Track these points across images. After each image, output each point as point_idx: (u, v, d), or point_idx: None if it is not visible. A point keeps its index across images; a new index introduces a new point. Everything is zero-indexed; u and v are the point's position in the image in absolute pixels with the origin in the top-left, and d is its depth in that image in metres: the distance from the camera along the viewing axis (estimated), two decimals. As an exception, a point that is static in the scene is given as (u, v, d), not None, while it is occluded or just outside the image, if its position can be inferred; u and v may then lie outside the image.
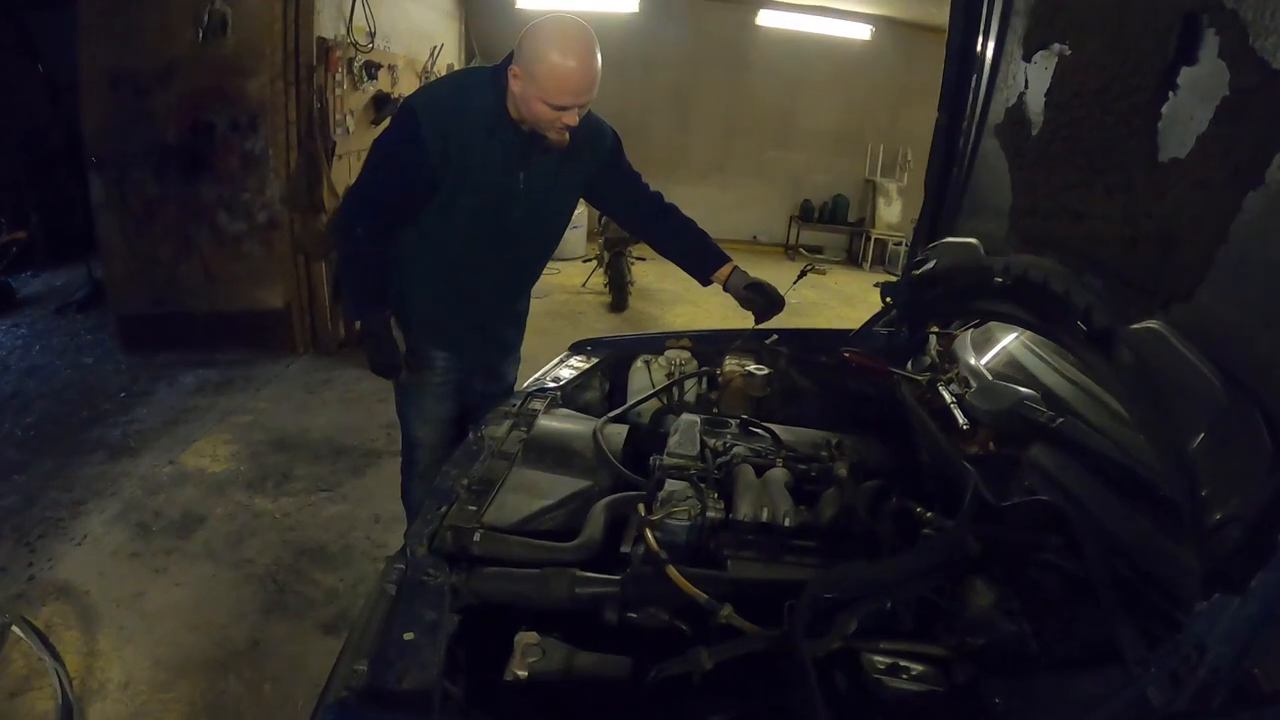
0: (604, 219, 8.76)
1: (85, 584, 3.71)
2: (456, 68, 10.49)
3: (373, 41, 7.40)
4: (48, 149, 9.84)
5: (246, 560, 3.96)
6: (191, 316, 6.84)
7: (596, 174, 2.91)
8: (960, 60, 2.63)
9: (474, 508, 1.84)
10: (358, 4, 7.09)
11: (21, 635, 2.71)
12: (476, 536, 1.71)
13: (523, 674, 1.41)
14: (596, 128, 2.85)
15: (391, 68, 7.92)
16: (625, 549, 1.76)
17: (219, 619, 3.52)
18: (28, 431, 5.41)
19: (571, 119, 2.47)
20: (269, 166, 6.50)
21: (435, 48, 9.42)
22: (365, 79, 7.38)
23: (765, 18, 11.68)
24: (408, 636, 1.42)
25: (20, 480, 4.69)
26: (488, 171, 2.63)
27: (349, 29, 7.04)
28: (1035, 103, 2.19)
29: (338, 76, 6.81)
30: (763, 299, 2.90)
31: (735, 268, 3.02)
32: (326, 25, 6.66)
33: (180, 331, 6.83)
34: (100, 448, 5.14)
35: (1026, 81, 2.25)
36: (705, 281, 3.09)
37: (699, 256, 3.09)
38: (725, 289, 3.01)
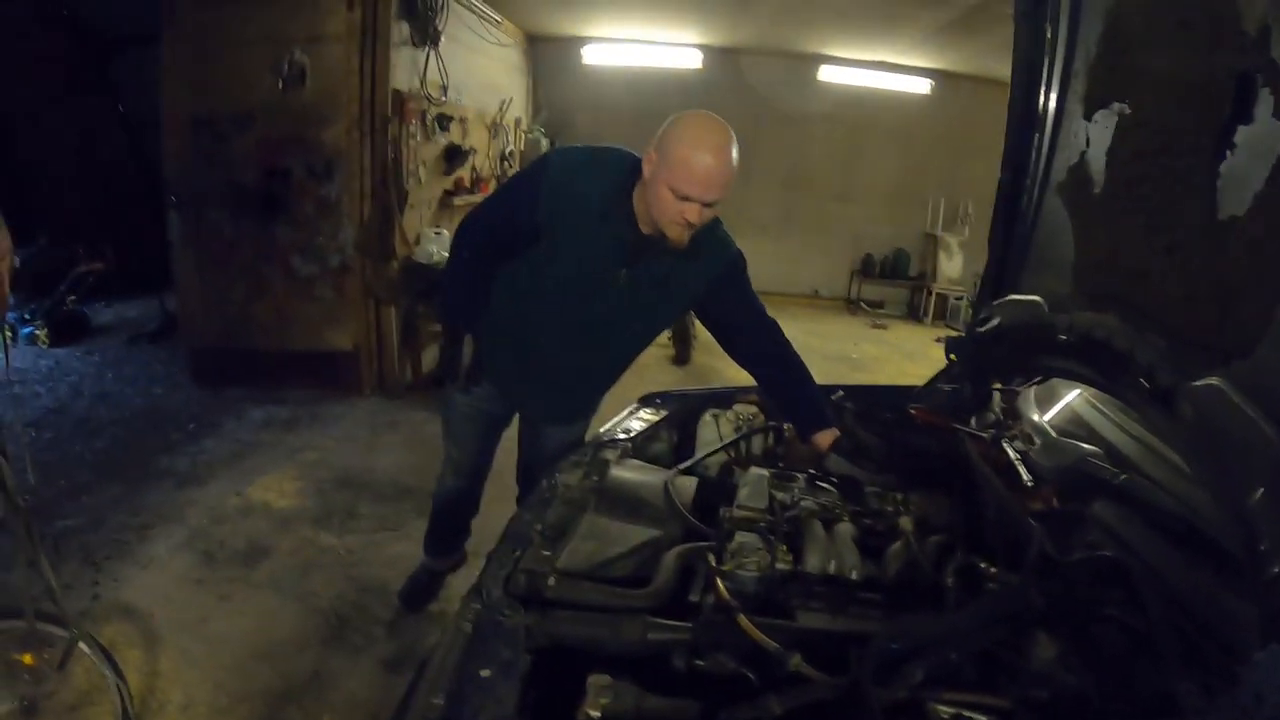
0: None
1: (150, 606, 3.82)
2: (524, 121, 10.77)
3: (445, 95, 7.64)
4: (125, 185, 10.23)
5: (310, 593, 4.03)
6: (261, 354, 7.04)
7: (709, 290, 2.76)
8: (1022, 120, 2.65)
9: (548, 552, 1.90)
10: (431, 58, 7.33)
11: (86, 650, 2.80)
12: (551, 580, 1.77)
13: (595, 714, 1.44)
14: (721, 242, 2.75)
15: (462, 120, 8.15)
16: (694, 598, 1.80)
17: (281, 649, 3.60)
18: (98, 455, 5.59)
19: (694, 214, 2.39)
20: (343, 213, 6.69)
21: (504, 101, 9.66)
22: (437, 131, 7.62)
23: (826, 73, 11.79)
24: (484, 674, 1.48)
25: (89, 502, 4.85)
26: (589, 255, 2.61)
27: (423, 82, 7.26)
28: (1097, 161, 2.21)
29: (411, 128, 7.03)
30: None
31: (838, 439, 2.64)
32: (401, 78, 6.90)
33: (250, 367, 7.03)
34: (168, 476, 5.29)
35: (1088, 140, 2.27)
36: (805, 439, 2.73)
37: (803, 412, 2.75)
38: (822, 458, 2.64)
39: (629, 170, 2.54)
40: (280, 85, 6.42)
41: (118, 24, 9.28)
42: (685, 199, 2.36)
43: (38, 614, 2.71)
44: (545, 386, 3.04)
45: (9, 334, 7.77)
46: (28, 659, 2.75)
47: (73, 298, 8.46)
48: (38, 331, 8.11)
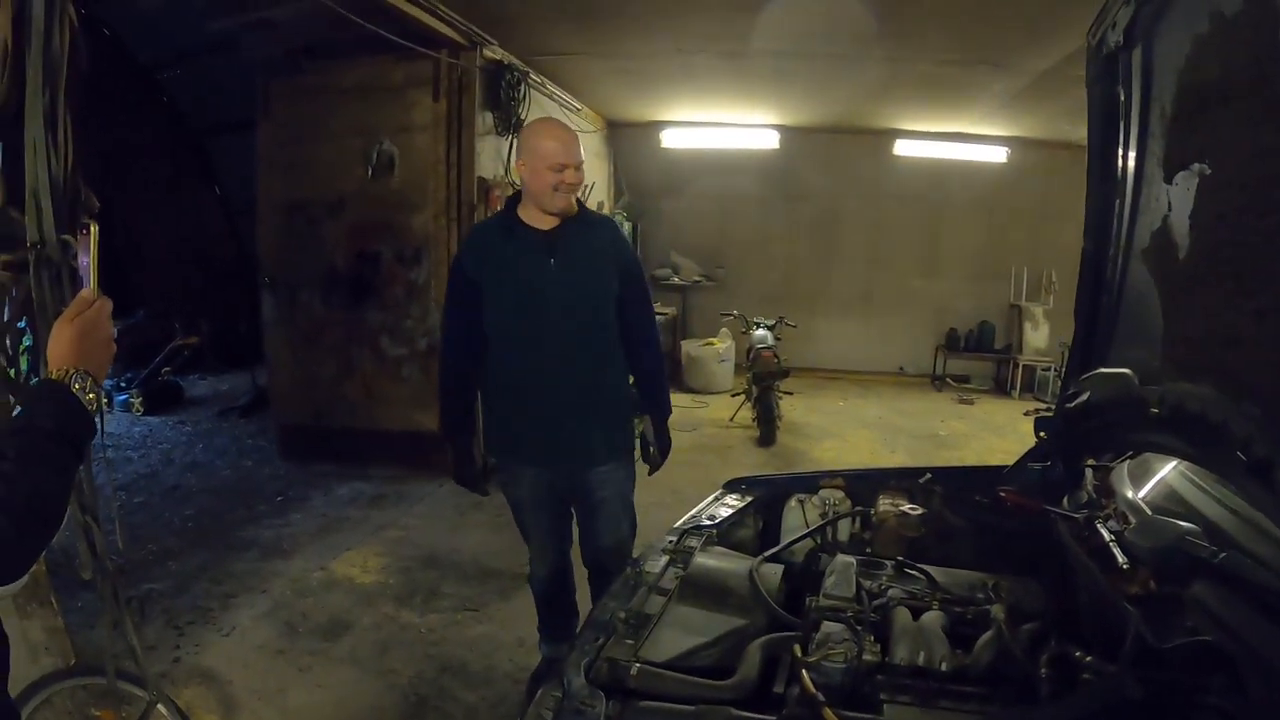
0: (751, 354, 8.90)
1: (229, 674, 3.90)
2: (606, 205, 11.03)
3: (529, 182, 7.81)
4: (221, 265, 10.77)
5: (390, 670, 4.08)
6: (349, 431, 7.28)
7: (623, 266, 3.44)
8: (1102, 187, 2.60)
9: (631, 641, 1.89)
10: (515, 146, 7.52)
11: (164, 712, 2.84)
12: (633, 670, 1.76)
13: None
14: (617, 231, 3.57)
15: (546, 207, 8.34)
16: (779, 689, 1.77)
17: (358, 724, 3.61)
18: (186, 523, 5.82)
19: (571, 176, 3.15)
20: (431, 296, 6.92)
21: (587, 186, 9.85)
22: (522, 217, 7.81)
23: (902, 147, 11.75)
24: (564, 763, 1.46)
25: (175, 567, 5.04)
26: (518, 265, 3.25)
27: (507, 169, 7.48)
28: (1180, 225, 2.14)
29: (497, 214, 7.22)
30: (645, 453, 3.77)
31: (649, 420, 3.72)
32: (486, 165, 7.16)
33: (337, 444, 7.26)
34: (254, 546, 5.46)
35: (1170, 204, 2.20)
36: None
37: (645, 408, 3.73)
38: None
39: (507, 205, 3.37)
40: (370, 173, 6.77)
41: (216, 113, 9.83)
42: (562, 168, 3.12)
43: (119, 673, 2.79)
44: (563, 417, 3.36)
45: (105, 399, 8.13)
46: (106, 716, 2.82)
47: (167, 369, 8.96)
48: (132, 399, 8.59)
